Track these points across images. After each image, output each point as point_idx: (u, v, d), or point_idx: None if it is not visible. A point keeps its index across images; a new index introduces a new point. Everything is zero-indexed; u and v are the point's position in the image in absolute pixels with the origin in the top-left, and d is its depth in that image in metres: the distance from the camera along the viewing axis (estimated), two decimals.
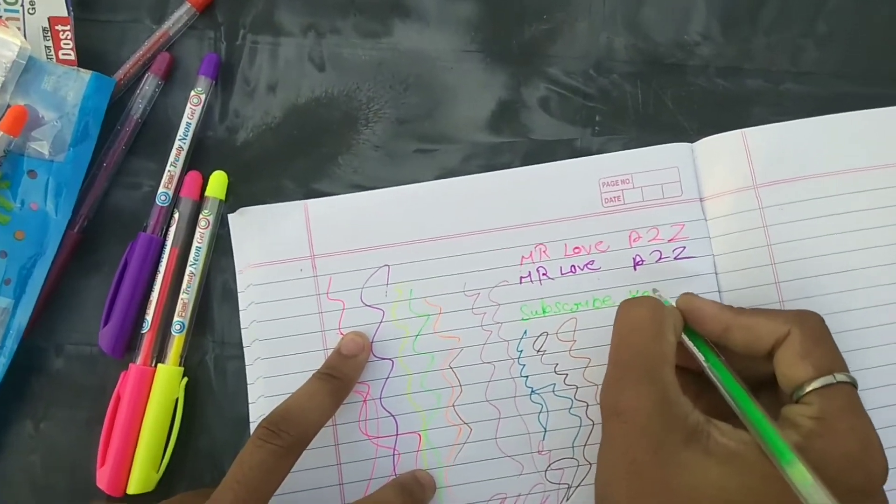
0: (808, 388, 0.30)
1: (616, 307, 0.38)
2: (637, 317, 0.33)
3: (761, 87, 0.40)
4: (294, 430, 0.33)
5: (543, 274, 0.39)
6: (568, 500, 0.37)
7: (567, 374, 0.38)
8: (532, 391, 0.38)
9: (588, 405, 0.38)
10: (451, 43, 0.41)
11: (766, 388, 0.33)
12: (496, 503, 0.37)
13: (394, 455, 0.38)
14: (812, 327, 0.31)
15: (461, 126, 0.40)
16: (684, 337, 0.33)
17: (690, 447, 0.29)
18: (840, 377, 0.30)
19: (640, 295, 0.38)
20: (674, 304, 0.34)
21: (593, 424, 0.38)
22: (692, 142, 0.39)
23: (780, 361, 0.31)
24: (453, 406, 0.38)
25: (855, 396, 0.30)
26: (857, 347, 0.37)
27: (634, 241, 0.38)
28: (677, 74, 0.40)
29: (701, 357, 0.33)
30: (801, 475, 0.27)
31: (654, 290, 0.37)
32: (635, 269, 0.38)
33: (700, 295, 0.35)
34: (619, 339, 0.33)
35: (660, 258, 0.38)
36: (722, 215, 0.38)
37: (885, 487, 0.30)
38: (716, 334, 0.33)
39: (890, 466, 0.30)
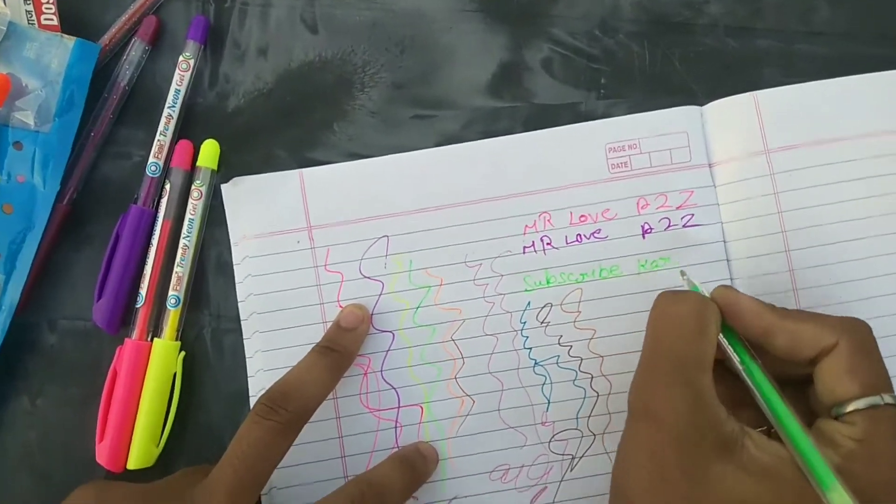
0: (852, 408, 0.28)
1: (622, 277, 0.37)
2: (678, 314, 0.30)
3: (772, 47, 0.39)
4: (293, 405, 0.33)
5: (548, 243, 0.38)
6: (572, 470, 0.37)
7: (571, 346, 0.37)
8: (535, 363, 0.37)
9: (592, 377, 0.37)
10: (449, 2, 0.39)
11: (795, 387, 0.31)
12: (500, 474, 0.37)
13: (396, 427, 0.37)
14: (861, 340, 0.29)
15: (460, 90, 0.39)
16: (720, 336, 0.31)
17: (723, 459, 0.28)
18: (888, 399, 0.28)
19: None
20: (703, 290, 0.32)
21: (597, 396, 0.37)
22: (701, 105, 0.38)
23: (823, 372, 0.29)
24: (455, 378, 0.37)
25: None
26: (871, 316, 0.35)
27: (643, 208, 0.37)
28: (685, 34, 0.39)
29: (737, 359, 0.30)
30: (841, 502, 0.26)
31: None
32: (644, 237, 0.37)
33: (735, 286, 0.32)
34: (656, 337, 0.31)
35: (668, 226, 0.37)
36: (731, 181, 0.37)
37: None
38: (755, 334, 0.31)
39: None
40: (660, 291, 0.32)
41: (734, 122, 0.37)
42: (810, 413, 0.30)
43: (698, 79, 0.38)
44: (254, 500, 0.32)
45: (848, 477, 0.27)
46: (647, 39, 0.39)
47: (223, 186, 0.38)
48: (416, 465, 0.36)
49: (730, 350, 0.31)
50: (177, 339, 0.38)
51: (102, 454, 0.37)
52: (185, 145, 0.38)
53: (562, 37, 0.39)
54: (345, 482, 0.34)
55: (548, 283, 0.38)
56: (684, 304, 0.30)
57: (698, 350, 0.30)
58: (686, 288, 0.33)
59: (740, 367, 0.30)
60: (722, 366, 0.31)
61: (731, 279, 0.37)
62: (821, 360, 0.29)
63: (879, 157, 0.37)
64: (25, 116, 0.36)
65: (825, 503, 0.26)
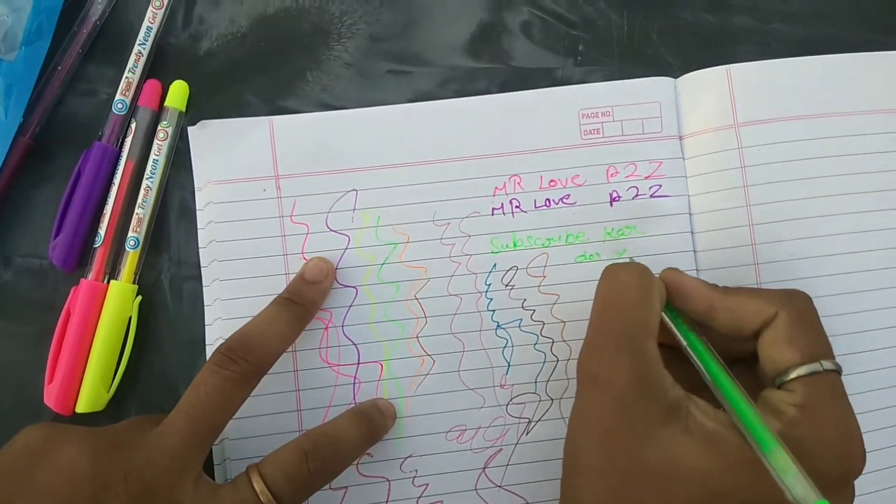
0: (793, 375, 0.29)
1: (588, 244, 0.37)
2: (623, 282, 0.31)
3: (749, 24, 0.39)
4: (253, 356, 0.32)
5: (517, 206, 0.37)
6: (528, 433, 0.37)
7: (534, 311, 0.37)
8: (498, 325, 0.37)
9: (553, 341, 0.37)
10: None
11: (744, 365, 0.32)
12: (456, 434, 0.37)
13: (354, 383, 0.37)
14: (800, 310, 0.30)
15: (438, 48, 0.39)
16: (663, 314, 0.32)
17: (668, 424, 0.28)
18: (826, 364, 0.29)
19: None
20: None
21: (557, 360, 0.37)
22: (676, 77, 0.38)
23: (764, 344, 0.30)
24: (417, 337, 0.37)
25: (840, 385, 0.29)
26: (831, 293, 0.36)
27: (612, 176, 0.37)
28: (665, 7, 0.39)
29: (680, 336, 0.31)
30: (782, 464, 0.26)
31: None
32: (612, 205, 0.37)
33: (682, 269, 0.33)
34: (603, 304, 0.31)
35: (636, 195, 0.37)
36: (700, 154, 0.37)
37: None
38: (699, 312, 0.32)
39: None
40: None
41: (706, 94, 0.37)
42: (759, 389, 0.31)
43: (674, 52, 0.39)
44: (207, 449, 0.31)
45: (790, 442, 0.27)
46: (626, 10, 0.39)
47: (190, 129, 0.37)
48: (373, 420, 0.36)
49: (673, 327, 0.32)
50: (134, 283, 0.37)
51: (51, 396, 0.36)
52: (153, 84, 0.37)
53: (543, 1, 0.39)
54: (299, 435, 0.34)
55: (514, 246, 0.37)
56: (630, 273, 0.31)
57: (642, 316, 0.30)
58: None
59: (684, 342, 0.31)
60: (679, 353, 0.32)
61: (695, 251, 0.37)
62: (762, 332, 0.30)
63: (847, 137, 0.37)
64: None
65: (766, 466, 0.27)
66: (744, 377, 0.30)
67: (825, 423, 0.28)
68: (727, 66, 0.37)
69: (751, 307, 0.30)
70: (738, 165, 0.37)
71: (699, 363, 0.31)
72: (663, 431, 0.28)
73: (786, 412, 0.29)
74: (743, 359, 0.32)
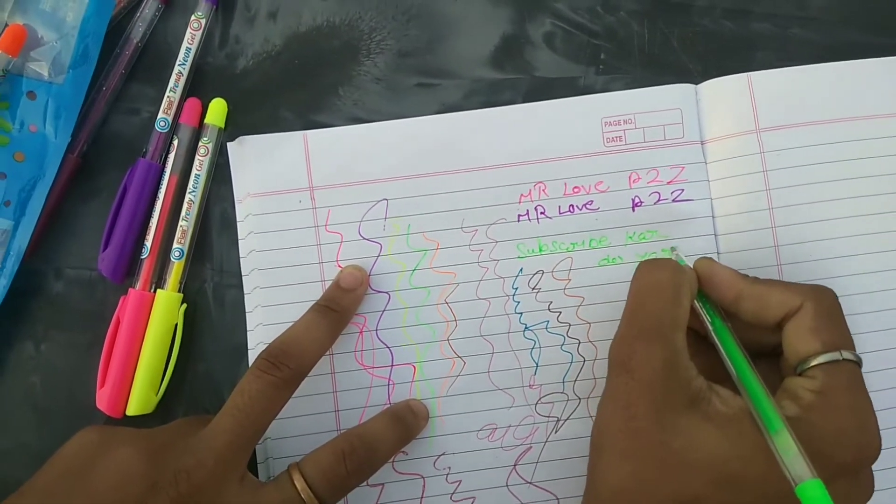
0: (813, 363, 0.30)
1: (611, 248, 0.38)
2: (656, 279, 0.33)
3: (767, 30, 0.40)
4: (293, 362, 0.34)
5: (541, 213, 0.39)
6: (556, 432, 0.38)
7: (560, 312, 0.39)
8: (525, 327, 0.39)
9: (580, 342, 0.38)
10: None
11: (768, 358, 0.33)
12: (487, 433, 0.38)
13: (388, 385, 0.39)
14: (825, 303, 0.31)
15: (463, 61, 0.40)
16: (695, 302, 0.34)
17: (690, 411, 0.30)
18: (846, 355, 0.30)
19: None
20: (689, 263, 0.34)
21: (584, 361, 0.38)
22: (696, 84, 0.39)
23: (788, 333, 0.31)
24: (448, 340, 0.39)
25: (858, 375, 0.31)
26: (853, 292, 0.37)
27: (634, 181, 0.39)
28: (684, 14, 0.40)
29: (707, 320, 0.33)
30: (785, 444, 0.28)
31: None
32: (634, 210, 0.38)
33: (714, 259, 0.35)
34: (637, 299, 0.33)
35: (658, 200, 0.38)
36: (722, 158, 0.38)
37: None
38: (728, 300, 0.33)
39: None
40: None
41: (727, 101, 0.38)
42: (781, 381, 0.32)
43: (694, 59, 0.40)
44: (251, 449, 0.33)
45: (805, 425, 0.29)
46: (647, 18, 0.40)
47: (229, 145, 0.39)
48: (406, 421, 0.37)
49: (702, 311, 0.34)
50: (179, 291, 0.39)
51: (103, 400, 0.38)
52: (193, 103, 0.39)
53: (564, 12, 0.40)
54: (337, 435, 0.36)
55: (540, 250, 0.39)
56: (663, 272, 0.33)
57: (672, 312, 0.32)
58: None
59: (710, 327, 0.33)
60: (705, 342, 0.34)
61: (718, 253, 0.38)
62: (786, 323, 0.32)
63: (868, 140, 0.38)
64: (40, 67, 0.37)
65: (771, 446, 0.28)
66: (766, 371, 0.31)
67: (841, 409, 0.30)
68: (748, 73, 0.38)
69: (777, 297, 0.32)
70: (760, 169, 0.38)
71: (721, 344, 0.32)
72: (685, 418, 0.30)
73: (803, 397, 0.30)
74: (766, 353, 0.33)
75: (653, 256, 0.38)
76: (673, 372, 0.31)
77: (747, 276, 0.34)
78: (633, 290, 0.33)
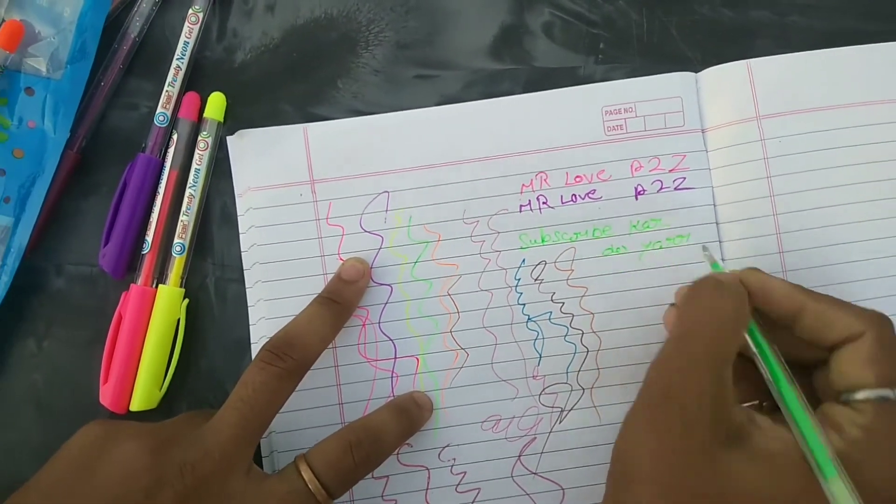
0: (863, 396, 0.29)
1: (614, 237, 0.38)
2: (719, 307, 0.31)
3: (766, 18, 0.40)
4: (296, 354, 0.34)
5: (544, 202, 0.39)
6: (561, 422, 0.38)
7: (563, 303, 0.39)
8: (528, 318, 0.39)
9: (583, 333, 0.38)
10: None
11: (801, 370, 0.32)
12: (491, 424, 0.38)
13: (392, 377, 0.39)
14: (887, 335, 0.30)
15: (462, 52, 0.40)
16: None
17: (732, 447, 0.28)
18: None
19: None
20: (723, 267, 0.33)
21: (587, 351, 0.38)
22: (696, 72, 0.39)
23: (843, 358, 0.30)
24: (450, 332, 0.39)
25: None
26: (856, 279, 0.37)
27: (636, 170, 0.38)
28: (682, 3, 0.40)
29: (754, 349, 0.31)
30: (841, 494, 0.27)
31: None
32: (636, 198, 0.38)
33: (764, 271, 0.32)
34: (692, 325, 0.31)
35: (661, 188, 0.38)
36: (723, 146, 0.38)
37: None
38: (787, 315, 0.31)
39: None
40: (702, 274, 0.33)
41: (727, 88, 0.38)
42: (813, 397, 0.31)
43: (693, 47, 0.39)
44: (257, 442, 0.33)
45: (849, 463, 0.27)
46: (645, 7, 0.40)
47: (229, 139, 0.39)
48: (411, 413, 0.37)
49: (749, 341, 0.31)
50: (181, 286, 0.39)
51: (106, 395, 0.38)
52: (192, 97, 0.39)
53: (563, 1, 0.40)
54: (342, 427, 0.36)
55: (542, 241, 0.39)
56: (726, 300, 0.31)
57: (731, 346, 0.30)
58: (706, 263, 0.35)
59: (755, 349, 0.31)
60: (747, 360, 0.32)
61: (720, 241, 0.38)
62: (843, 346, 0.30)
63: (868, 126, 0.38)
64: (38, 63, 0.37)
65: (825, 491, 0.27)
66: (799, 383, 0.30)
67: (888, 453, 0.28)
68: (748, 60, 0.38)
69: (841, 319, 0.30)
70: (761, 157, 0.38)
71: (766, 370, 0.31)
72: (726, 455, 0.28)
73: (849, 432, 0.28)
74: (800, 364, 0.32)
75: (656, 246, 0.38)
76: (718, 407, 0.29)
77: (802, 287, 0.32)
78: (689, 312, 0.32)
